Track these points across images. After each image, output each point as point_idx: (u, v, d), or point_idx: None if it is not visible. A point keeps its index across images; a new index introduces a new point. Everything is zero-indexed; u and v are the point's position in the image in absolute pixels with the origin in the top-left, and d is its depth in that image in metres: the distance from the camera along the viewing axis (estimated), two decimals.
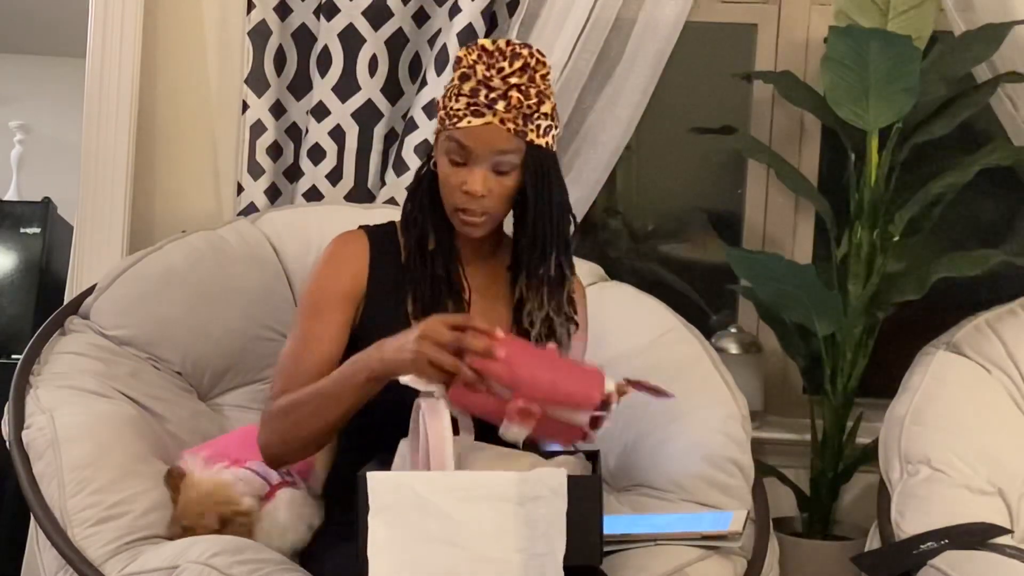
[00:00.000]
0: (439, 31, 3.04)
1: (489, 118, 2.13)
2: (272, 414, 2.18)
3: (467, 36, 2.97)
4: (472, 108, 2.14)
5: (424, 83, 3.03)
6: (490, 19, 3.03)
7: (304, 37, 3.12)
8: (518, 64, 2.14)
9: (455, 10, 2.99)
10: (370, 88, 3.08)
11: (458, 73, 2.16)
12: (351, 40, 3.05)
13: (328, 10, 3.05)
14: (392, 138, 3.10)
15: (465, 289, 2.26)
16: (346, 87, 3.07)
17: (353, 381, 2.08)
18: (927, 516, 2.51)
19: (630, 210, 3.62)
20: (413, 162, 3.03)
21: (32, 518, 2.43)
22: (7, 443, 2.46)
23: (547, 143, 2.19)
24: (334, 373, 2.11)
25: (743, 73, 3.32)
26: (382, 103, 3.09)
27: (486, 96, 2.13)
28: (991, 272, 2.87)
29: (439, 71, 3.00)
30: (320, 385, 2.12)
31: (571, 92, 3.09)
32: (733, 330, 3.27)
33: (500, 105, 2.13)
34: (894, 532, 2.51)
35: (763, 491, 2.59)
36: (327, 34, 3.05)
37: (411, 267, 2.25)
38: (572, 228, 2.29)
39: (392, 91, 3.10)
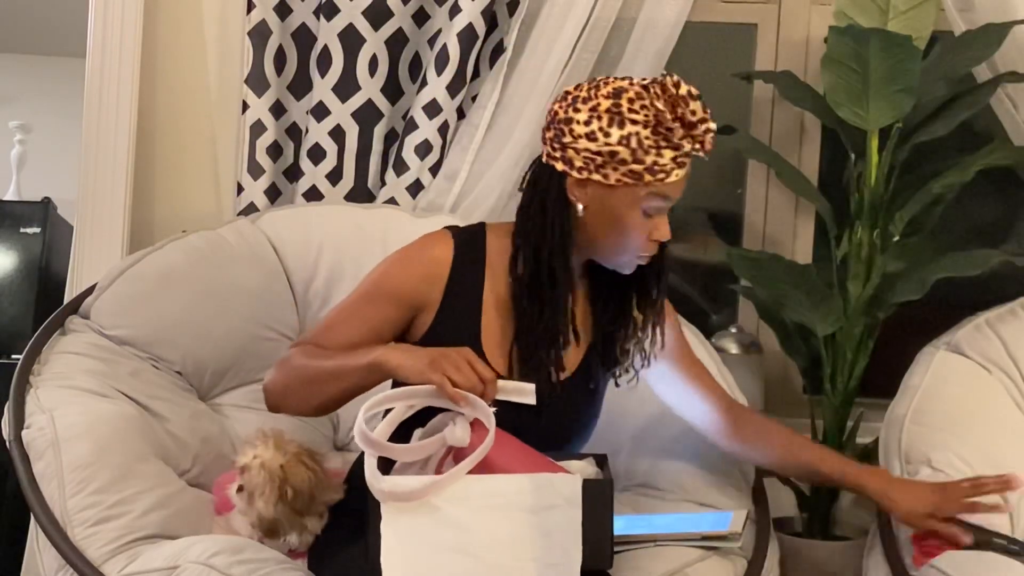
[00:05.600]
0: (439, 31, 3.04)
1: (687, 166, 2.14)
2: (285, 363, 2.20)
3: (467, 36, 2.97)
4: (678, 160, 2.12)
5: (424, 83, 3.03)
6: (490, 19, 3.03)
7: (304, 37, 3.12)
8: (702, 104, 2.11)
9: (455, 10, 2.99)
10: (370, 88, 3.08)
11: (664, 128, 2.09)
12: (351, 40, 3.05)
13: (328, 10, 3.05)
14: (392, 138, 3.11)
15: (571, 342, 2.24)
16: (346, 87, 3.07)
17: (356, 362, 2.09)
18: None
19: None
20: (413, 162, 3.03)
21: (32, 518, 2.43)
22: (7, 443, 2.46)
23: None
24: (348, 353, 2.13)
25: (743, 73, 3.31)
26: (382, 103, 3.09)
27: (691, 144, 2.11)
28: (991, 272, 2.87)
29: (439, 71, 3.00)
30: (332, 358, 2.13)
31: None
32: (733, 330, 3.27)
33: (701, 151, 2.14)
34: (894, 532, 2.51)
35: (763, 491, 2.59)
36: (327, 34, 3.05)
37: (518, 301, 2.21)
38: None
39: (392, 91, 3.10)
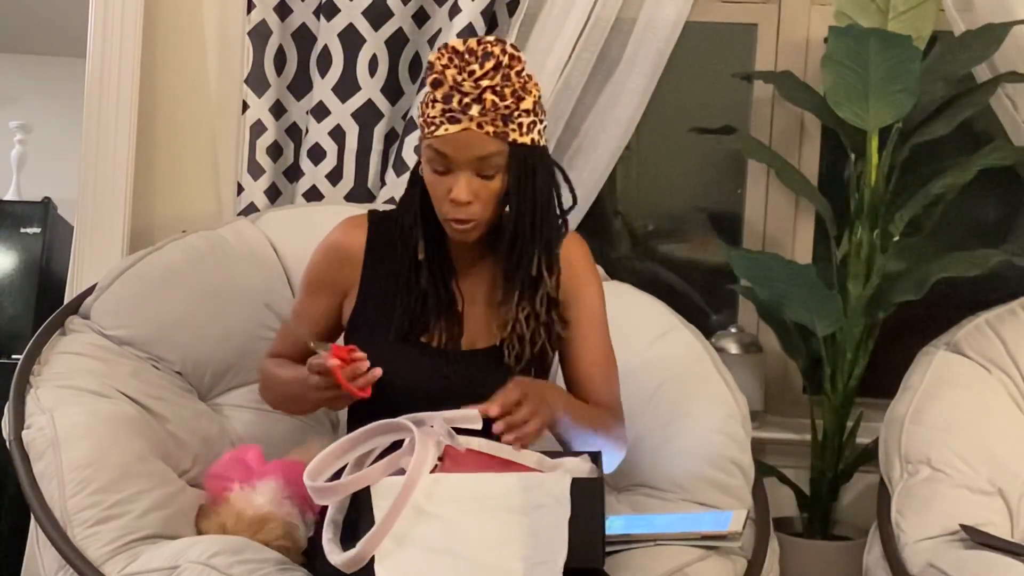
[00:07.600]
0: (439, 31, 3.04)
1: (465, 124, 2.09)
2: (263, 374, 2.36)
3: (467, 36, 2.97)
4: (447, 115, 2.10)
5: (424, 83, 3.03)
6: (490, 19, 3.03)
7: (304, 37, 3.12)
8: (490, 64, 2.09)
9: (455, 10, 2.99)
10: (370, 88, 3.08)
11: (431, 79, 2.12)
12: (351, 40, 3.06)
13: (328, 10, 3.05)
14: (392, 138, 3.11)
15: (457, 301, 2.25)
16: (346, 87, 3.07)
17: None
18: (927, 516, 2.51)
19: (630, 210, 3.62)
20: (413, 162, 3.03)
21: (32, 518, 2.44)
22: (7, 443, 2.46)
23: (532, 139, 2.15)
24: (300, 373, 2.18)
25: (743, 73, 3.32)
26: (382, 103, 3.09)
27: (459, 102, 2.09)
28: (991, 272, 2.87)
29: None
30: (292, 379, 2.22)
31: (571, 92, 3.09)
32: (733, 330, 3.27)
33: (475, 109, 2.09)
34: (894, 532, 2.51)
35: (763, 491, 2.59)
36: (327, 34, 3.06)
37: (405, 278, 2.24)
38: (562, 226, 2.26)
39: (392, 91, 3.10)
